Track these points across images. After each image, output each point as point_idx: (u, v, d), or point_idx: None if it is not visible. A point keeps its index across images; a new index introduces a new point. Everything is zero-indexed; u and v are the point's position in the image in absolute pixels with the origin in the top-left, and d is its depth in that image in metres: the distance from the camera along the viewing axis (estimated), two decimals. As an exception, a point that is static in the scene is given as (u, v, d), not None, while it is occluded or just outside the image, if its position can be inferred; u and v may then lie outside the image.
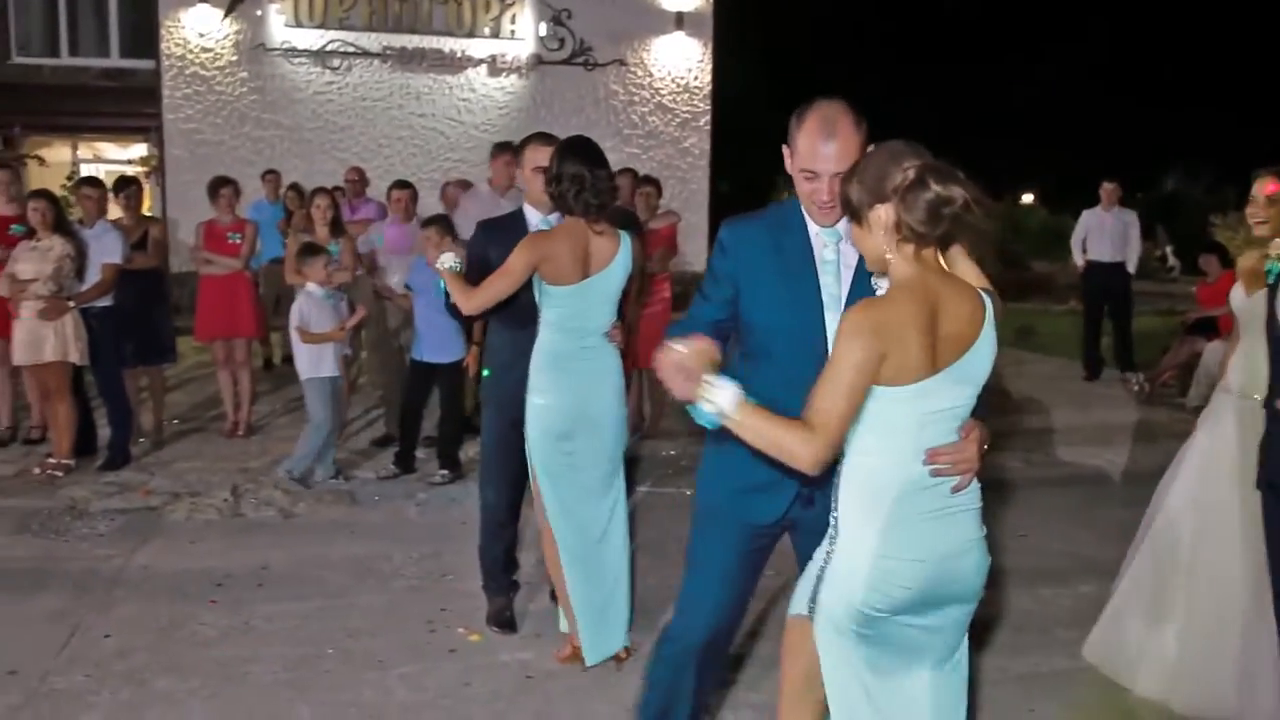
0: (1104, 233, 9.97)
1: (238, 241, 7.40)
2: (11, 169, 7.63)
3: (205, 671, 3.81)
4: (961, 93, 29.85)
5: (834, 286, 2.52)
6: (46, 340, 6.10)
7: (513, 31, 14.20)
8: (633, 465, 5.63)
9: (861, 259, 2.38)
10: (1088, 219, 10.15)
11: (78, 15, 15.24)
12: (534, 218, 3.96)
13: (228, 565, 4.86)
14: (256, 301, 7.74)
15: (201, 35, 13.59)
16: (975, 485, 2.29)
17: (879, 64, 28.45)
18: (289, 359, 9.14)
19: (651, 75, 14.80)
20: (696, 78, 14.92)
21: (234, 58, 13.72)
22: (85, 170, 14.64)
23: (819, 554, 2.36)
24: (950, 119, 29.45)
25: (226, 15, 13.51)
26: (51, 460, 6.29)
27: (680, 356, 2.12)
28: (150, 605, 4.40)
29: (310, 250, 6.20)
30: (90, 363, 6.36)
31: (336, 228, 6.80)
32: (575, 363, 3.65)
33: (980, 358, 2.22)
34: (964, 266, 2.36)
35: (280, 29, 13.67)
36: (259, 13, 13.61)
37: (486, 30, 14.14)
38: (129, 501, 5.79)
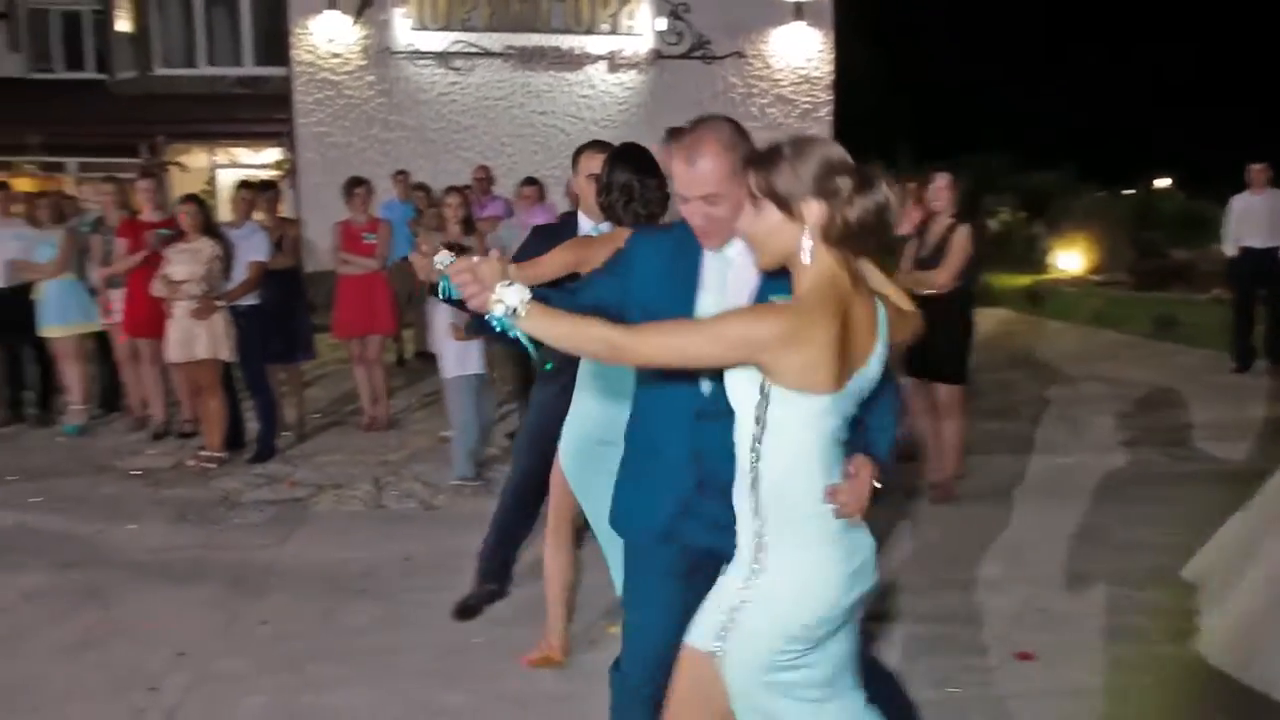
0: (1255, 217, 9.47)
1: (372, 241, 7.60)
2: (156, 177, 8.03)
3: (357, 659, 3.92)
4: (1091, 76, 28.86)
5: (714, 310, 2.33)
6: (199, 339, 6.36)
7: (630, 27, 14.26)
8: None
9: (762, 284, 2.27)
10: (1237, 204, 9.65)
11: (213, 26, 15.88)
12: (585, 225, 3.86)
13: (373, 556, 5.00)
14: (392, 299, 7.93)
15: (330, 41, 14.00)
16: None
17: (1002, 49, 27.69)
18: (421, 354, 9.37)
19: (770, 67, 14.68)
20: (817, 68, 14.74)
21: (362, 62, 14.10)
22: (221, 175, 15.27)
23: (727, 586, 2.23)
24: (1079, 102, 28.53)
25: (357, 19, 13.87)
26: (204, 453, 6.57)
27: (473, 264, 2.09)
28: (302, 593, 4.55)
29: (454, 251, 6.30)
30: (238, 359, 6.62)
31: (468, 226, 6.91)
32: (617, 369, 3.43)
33: (873, 368, 2.15)
34: (876, 277, 2.35)
35: (405, 32, 14.00)
36: (384, 17, 13.96)
37: (605, 26, 14.23)
38: (277, 493, 6.02)
